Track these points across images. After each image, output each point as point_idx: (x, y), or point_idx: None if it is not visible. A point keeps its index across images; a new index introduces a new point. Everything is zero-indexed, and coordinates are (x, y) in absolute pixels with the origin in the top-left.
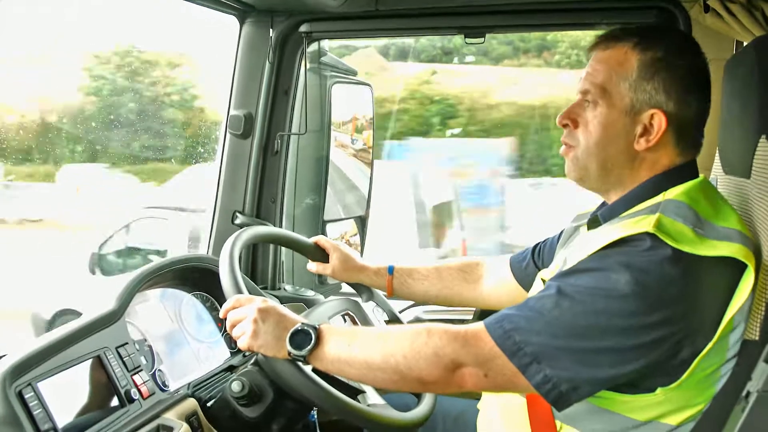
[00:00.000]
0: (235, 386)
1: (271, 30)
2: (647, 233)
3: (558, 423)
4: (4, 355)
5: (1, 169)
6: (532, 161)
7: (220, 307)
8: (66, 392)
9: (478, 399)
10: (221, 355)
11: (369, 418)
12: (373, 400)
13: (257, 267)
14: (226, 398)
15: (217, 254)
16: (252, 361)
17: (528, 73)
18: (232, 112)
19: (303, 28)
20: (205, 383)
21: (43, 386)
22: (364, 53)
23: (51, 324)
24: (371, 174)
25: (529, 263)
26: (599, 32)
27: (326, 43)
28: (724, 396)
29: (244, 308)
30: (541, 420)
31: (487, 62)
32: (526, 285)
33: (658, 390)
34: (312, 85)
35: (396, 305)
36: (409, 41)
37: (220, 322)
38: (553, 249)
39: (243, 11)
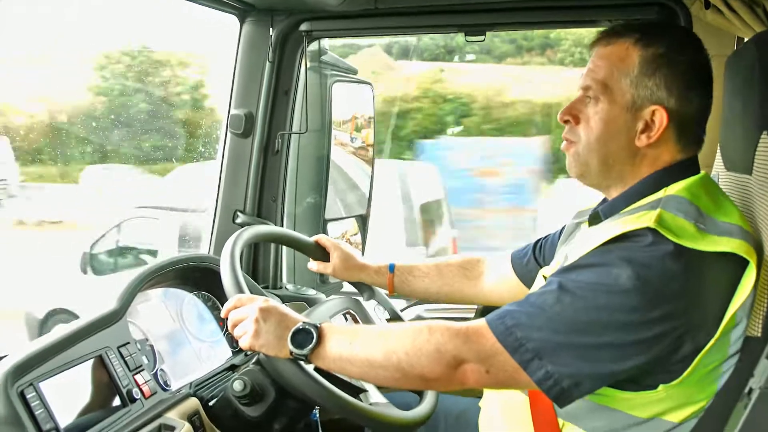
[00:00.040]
0: (237, 385)
1: (271, 29)
2: (648, 228)
3: (560, 421)
4: (5, 356)
5: (16, 171)
6: (560, 159)
7: (222, 306)
8: (68, 392)
9: (480, 397)
10: (223, 354)
11: (371, 417)
12: (375, 398)
13: (258, 266)
14: (227, 397)
15: (218, 253)
16: (254, 360)
17: (540, 71)
18: (233, 111)
19: (303, 27)
20: (206, 382)
21: (44, 386)
22: (370, 52)
23: (44, 323)
24: (372, 173)
25: (530, 259)
26: (601, 29)
27: (327, 42)
28: (727, 393)
29: (246, 308)
30: (544, 418)
31: (490, 60)
32: (527, 281)
33: (660, 387)
34: (312, 84)
35: (397, 304)
36: (412, 40)
37: (222, 322)
38: (554, 245)
39: (243, 10)
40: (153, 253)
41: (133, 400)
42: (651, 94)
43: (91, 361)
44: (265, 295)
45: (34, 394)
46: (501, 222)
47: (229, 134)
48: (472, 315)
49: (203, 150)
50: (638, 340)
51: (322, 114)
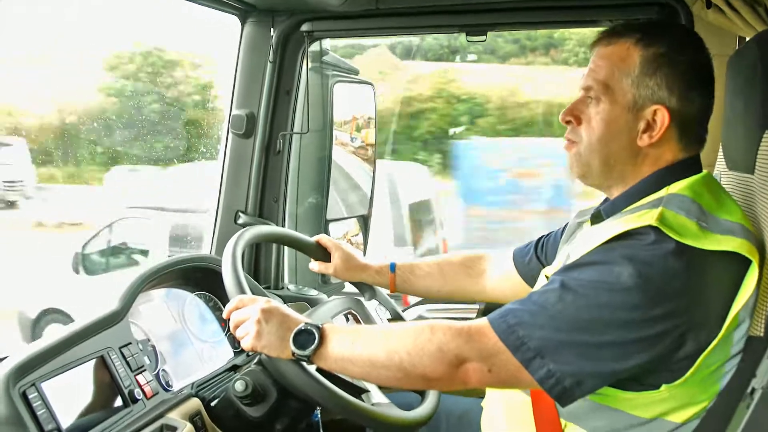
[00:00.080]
0: (239, 386)
1: (272, 29)
2: (650, 226)
3: (563, 421)
4: (6, 357)
5: (32, 172)
6: None
7: (224, 306)
8: (70, 392)
9: (482, 397)
10: (225, 354)
11: (373, 417)
12: (377, 399)
13: (260, 266)
14: (229, 398)
15: (219, 254)
16: (255, 360)
17: (546, 71)
18: (234, 111)
19: (304, 28)
20: (208, 383)
21: (46, 386)
22: (376, 52)
23: (36, 323)
24: (374, 173)
25: (532, 258)
26: (602, 29)
27: (329, 42)
28: (729, 393)
29: (248, 309)
30: (546, 418)
31: (494, 60)
32: (529, 280)
33: (663, 387)
34: (314, 85)
35: (399, 304)
36: (415, 40)
37: (224, 322)
38: (556, 244)
39: (244, 11)
40: (144, 253)
41: (135, 401)
42: (652, 94)
43: (93, 361)
44: (267, 296)
45: (36, 394)
46: (538, 223)
47: (230, 135)
48: (474, 315)
49: (213, 150)
50: (640, 339)
51: (324, 114)
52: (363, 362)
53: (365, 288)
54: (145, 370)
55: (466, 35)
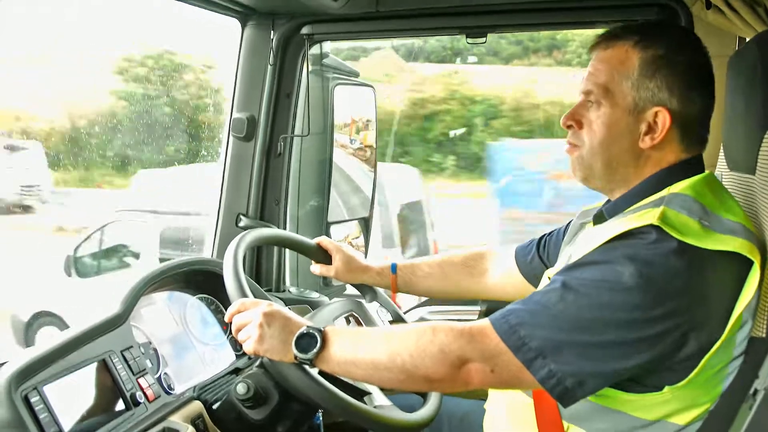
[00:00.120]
0: (241, 388)
1: (272, 32)
2: (652, 225)
3: (565, 423)
4: (7, 361)
5: (48, 176)
6: None
7: (225, 309)
8: (71, 396)
9: (484, 399)
10: (226, 357)
11: (375, 419)
12: (379, 401)
13: (262, 269)
14: (231, 401)
15: (221, 257)
16: (257, 363)
17: (564, 72)
18: (235, 114)
19: (304, 30)
20: (210, 386)
21: (48, 390)
22: (382, 54)
23: (29, 326)
24: (375, 175)
25: (534, 257)
26: (600, 31)
27: (329, 45)
28: (731, 394)
29: (249, 312)
30: (548, 420)
31: (497, 62)
32: (531, 279)
33: (666, 388)
34: (314, 87)
35: (401, 305)
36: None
37: (225, 325)
38: (558, 244)
39: (244, 14)
40: (136, 255)
41: (137, 404)
42: (653, 96)
43: (95, 364)
44: (269, 299)
45: (38, 398)
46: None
47: (231, 138)
48: (475, 317)
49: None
50: (641, 338)
51: (324, 117)
52: (365, 364)
53: (366, 290)
54: (147, 373)
55: (466, 37)
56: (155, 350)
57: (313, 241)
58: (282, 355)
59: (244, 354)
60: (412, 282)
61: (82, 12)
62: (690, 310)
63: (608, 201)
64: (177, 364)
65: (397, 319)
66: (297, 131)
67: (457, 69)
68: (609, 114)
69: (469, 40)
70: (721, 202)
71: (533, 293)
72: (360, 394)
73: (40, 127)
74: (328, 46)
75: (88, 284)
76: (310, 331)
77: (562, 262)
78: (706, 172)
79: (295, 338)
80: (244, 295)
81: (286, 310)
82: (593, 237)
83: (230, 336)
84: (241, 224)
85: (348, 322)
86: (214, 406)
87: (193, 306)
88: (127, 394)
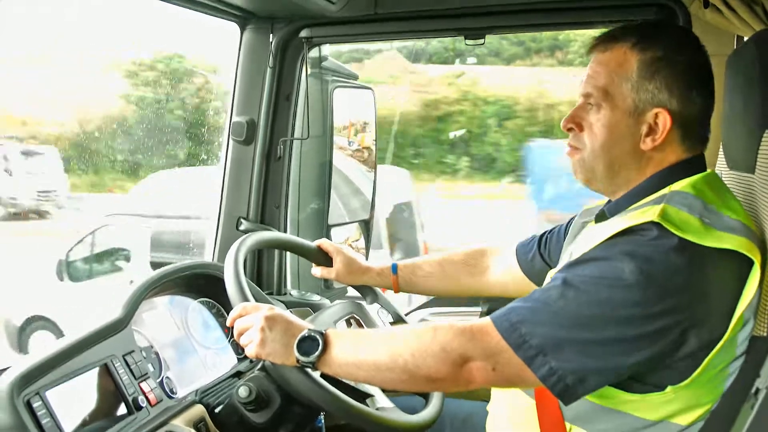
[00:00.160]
0: (242, 392)
1: (271, 36)
2: (653, 222)
3: (567, 424)
4: (9, 367)
5: (65, 181)
6: None
7: (227, 313)
8: (74, 401)
9: (487, 401)
10: (228, 361)
11: (377, 421)
12: (381, 403)
13: (263, 272)
14: (233, 404)
15: (222, 261)
16: (259, 366)
17: (568, 72)
18: (235, 118)
19: (303, 34)
20: (212, 389)
21: (51, 395)
22: (387, 56)
23: (22, 330)
24: (375, 178)
25: (535, 255)
26: (597, 33)
27: (328, 48)
28: (733, 394)
29: (251, 316)
30: (551, 421)
31: (499, 62)
32: (532, 276)
33: (668, 388)
34: (313, 90)
35: (401, 307)
36: (420, 43)
37: (227, 329)
38: (560, 242)
39: (243, 18)
40: (127, 259)
41: (139, 408)
42: (652, 97)
43: (97, 369)
44: (270, 302)
45: (40, 403)
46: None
47: (231, 141)
48: (477, 318)
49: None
50: (641, 335)
51: (324, 120)
52: (367, 366)
53: (367, 291)
54: (148, 378)
55: (465, 39)
56: (157, 354)
57: (314, 244)
58: (284, 358)
59: (246, 357)
60: (413, 282)
61: (89, 14)
62: (690, 307)
63: (609, 200)
64: (179, 368)
65: (398, 320)
66: (297, 134)
67: (464, 70)
68: (609, 116)
69: (468, 42)
70: (722, 200)
71: (534, 291)
72: (362, 396)
73: (48, 132)
74: (327, 49)
75: (81, 288)
76: (312, 334)
77: (563, 261)
78: (708, 170)
79: (296, 341)
80: (246, 299)
81: (288, 314)
82: (594, 235)
83: (232, 339)
84: (242, 228)
85: (349, 324)
86: (217, 410)
87: (195, 310)
88: (129, 399)
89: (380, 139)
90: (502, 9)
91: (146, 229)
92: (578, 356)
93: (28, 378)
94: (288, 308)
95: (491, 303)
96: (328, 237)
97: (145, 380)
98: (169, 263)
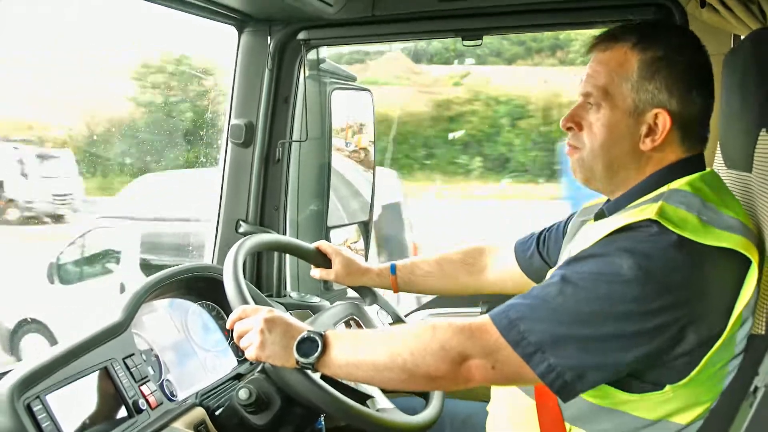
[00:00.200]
0: (242, 394)
1: (269, 38)
2: (651, 220)
3: (567, 425)
4: (10, 370)
5: (80, 184)
6: None
7: (227, 315)
8: (74, 404)
9: (487, 401)
10: (228, 363)
11: (377, 423)
12: (381, 404)
13: (262, 274)
14: (233, 406)
15: (221, 263)
16: (259, 368)
17: (569, 72)
18: (233, 121)
19: (301, 36)
20: (213, 392)
21: (51, 399)
22: (392, 57)
23: (14, 333)
24: (373, 179)
25: (533, 253)
26: (597, 32)
27: (326, 51)
28: (732, 392)
29: (250, 319)
30: (551, 421)
31: (501, 62)
32: (531, 274)
33: (667, 387)
34: (312, 92)
35: (401, 308)
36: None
37: (227, 331)
38: (558, 239)
39: (241, 21)
40: (118, 260)
41: (140, 411)
42: (652, 98)
43: (97, 372)
44: (270, 304)
45: (40, 406)
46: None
47: (229, 144)
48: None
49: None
50: (640, 331)
51: (322, 122)
52: (367, 366)
53: (366, 293)
54: (149, 381)
55: (462, 40)
56: (157, 357)
57: (312, 246)
58: (284, 360)
59: (246, 360)
60: (412, 281)
61: (93, 17)
62: (689, 303)
63: (609, 200)
64: (179, 370)
65: (398, 321)
66: (295, 136)
67: (469, 70)
68: (609, 116)
69: (465, 43)
70: (719, 198)
71: (533, 287)
72: (362, 397)
73: (54, 136)
74: (326, 51)
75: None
76: (311, 335)
77: (563, 260)
78: (708, 169)
79: (296, 343)
80: (245, 302)
81: (287, 316)
82: (593, 233)
83: (232, 342)
84: (241, 230)
85: (348, 325)
86: (217, 413)
87: (195, 313)
88: (130, 402)
89: (381, 141)
90: (498, 10)
91: (136, 231)
92: (577, 352)
93: (29, 382)
94: (287, 310)
95: (490, 303)
96: (328, 239)
97: (145, 383)
98: (163, 265)
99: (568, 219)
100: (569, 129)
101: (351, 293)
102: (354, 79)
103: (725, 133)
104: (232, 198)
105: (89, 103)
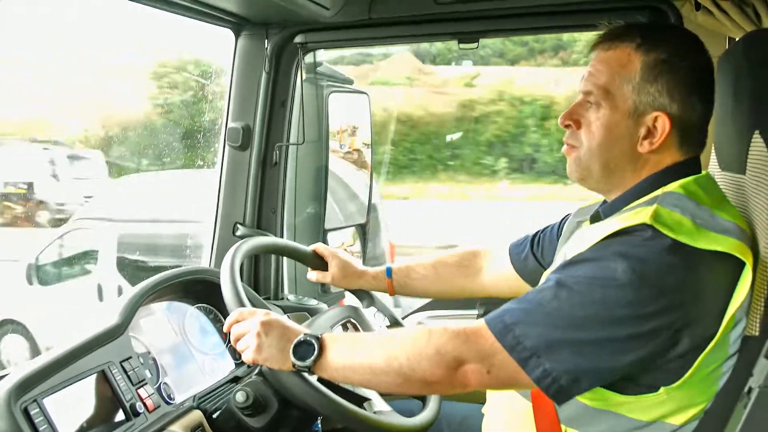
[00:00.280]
0: (240, 397)
1: (266, 42)
2: (645, 224)
3: (563, 427)
4: (7, 374)
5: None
6: None
7: (224, 318)
8: (71, 408)
9: (483, 403)
10: (226, 366)
11: (374, 425)
12: (378, 407)
13: (260, 277)
14: (231, 409)
15: (219, 266)
16: (256, 371)
17: (572, 72)
18: (230, 124)
19: (298, 39)
20: (210, 395)
21: (48, 402)
22: (401, 58)
23: None
24: (371, 181)
25: (528, 255)
26: (598, 33)
27: (323, 53)
28: (726, 393)
29: (247, 322)
30: (547, 423)
31: (504, 63)
32: (526, 276)
33: (661, 389)
34: (309, 96)
35: (398, 311)
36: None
37: (225, 334)
38: (553, 241)
39: (238, 24)
40: (95, 261)
41: (137, 414)
42: (653, 101)
43: (94, 376)
44: (267, 307)
45: (37, 410)
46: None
47: (227, 147)
48: (473, 321)
49: None
50: (634, 335)
51: (319, 125)
52: (363, 370)
53: (363, 295)
54: (146, 384)
55: (458, 42)
56: (154, 360)
57: (309, 248)
58: (280, 363)
59: (243, 363)
60: (408, 284)
61: (93, 17)
62: (683, 307)
63: (605, 201)
64: (176, 373)
65: (395, 324)
66: (292, 139)
67: (479, 71)
68: (608, 116)
69: (462, 46)
70: (714, 201)
71: (528, 292)
72: (359, 400)
73: (67, 137)
74: (323, 54)
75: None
76: (308, 338)
77: (558, 261)
78: (703, 172)
79: (292, 346)
80: (242, 305)
81: (284, 319)
82: (588, 236)
83: (229, 345)
84: (238, 233)
85: (345, 328)
86: (214, 415)
87: (192, 316)
88: (127, 405)
89: (382, 143)
90: (494, 13)
91: (113, 233)
92: (572, 357)
93: (26, 385)
94: (285, 313)
95: (487, 306)
96: (325, 241)
97: (142, 386)
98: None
99: (562, 220)
100: (567, 126)
101: (349, 296)
102: (351, 83)
103: (719, 134)
104: (229, 201)
105: (103, 104)
